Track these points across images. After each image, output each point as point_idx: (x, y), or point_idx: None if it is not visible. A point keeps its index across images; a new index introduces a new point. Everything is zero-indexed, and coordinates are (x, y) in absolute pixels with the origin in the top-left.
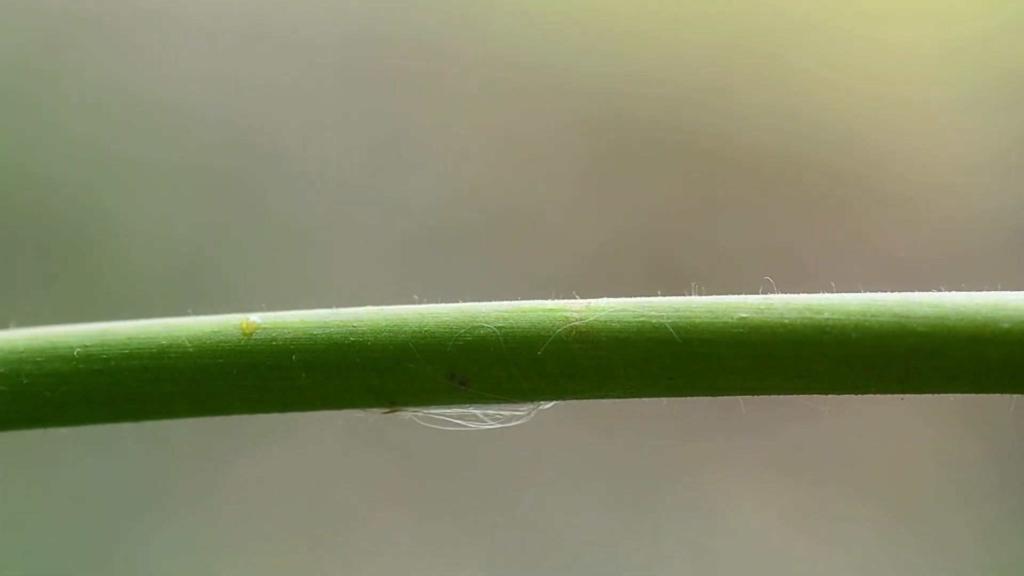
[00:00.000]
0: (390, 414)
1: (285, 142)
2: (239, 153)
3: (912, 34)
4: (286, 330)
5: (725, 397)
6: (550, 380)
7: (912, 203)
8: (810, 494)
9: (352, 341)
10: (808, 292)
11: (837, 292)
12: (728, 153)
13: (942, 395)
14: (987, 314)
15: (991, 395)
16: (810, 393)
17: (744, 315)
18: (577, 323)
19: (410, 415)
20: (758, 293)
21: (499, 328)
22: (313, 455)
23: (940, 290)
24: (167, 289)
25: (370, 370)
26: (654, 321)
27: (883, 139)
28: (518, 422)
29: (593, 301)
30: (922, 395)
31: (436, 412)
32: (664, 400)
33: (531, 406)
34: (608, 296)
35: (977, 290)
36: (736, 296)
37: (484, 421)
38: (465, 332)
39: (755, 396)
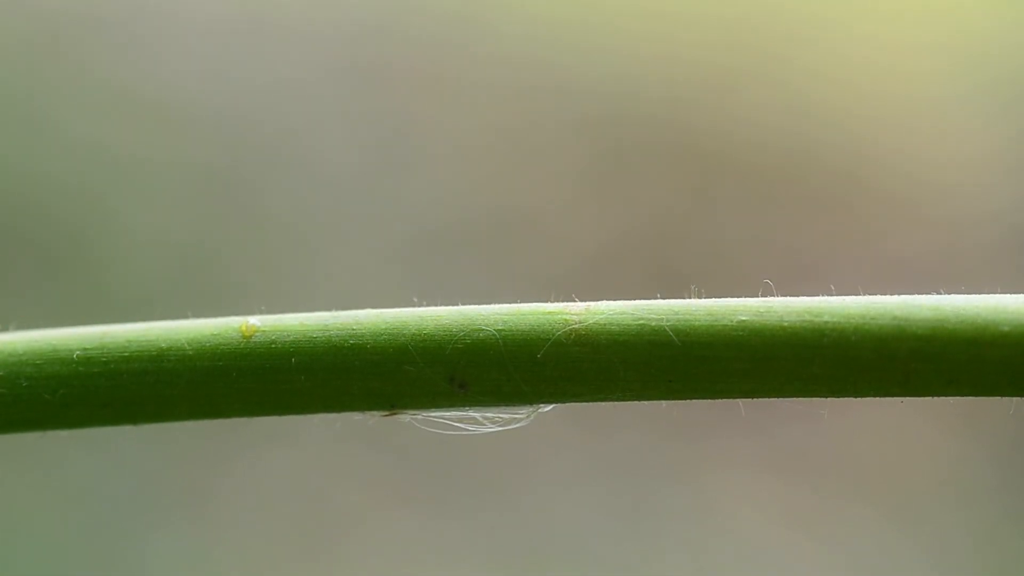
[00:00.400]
0: (389, 417)
1: (285, 142)
2: (240, 152)
3: (912, 33)
4: (285, 333)
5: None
6: (549, 383)
7: (912, 202)
8: (809, 495)
9: (351, 344)
10: (807, 292)
11: (837, 291)
12: (728, 153)
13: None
14: (987, 317)
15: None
16: (810, 396)
17: (744, 318)
18: (576, 326)
19: (409, 418)
20: (758, 293)
21: (498, 331)
22: (312, 457)
23: (940, 291)
24: (167, 288)
25: (369, 373)
26: (653, 324)
27: (883, 138)
28: (517, 425)
29: (592, 304)
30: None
31: (436, 415)
32: (663, 402)
33: (530, 409)
34: (608, 296)
35: (977, 290)
36: (735, 299)
37: (484, 424)
38: (464, 335)
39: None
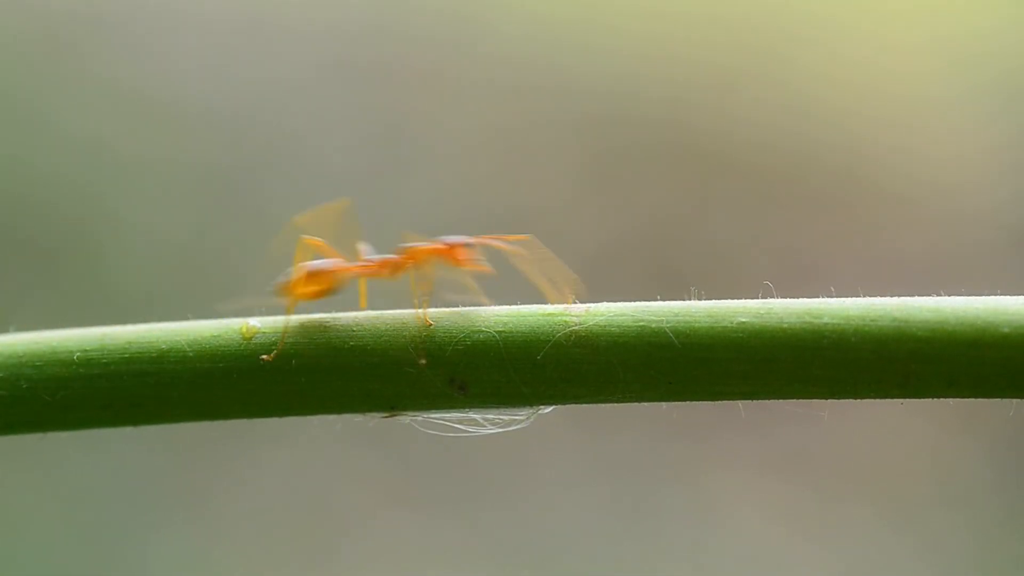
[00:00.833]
0: (389, 418)
1: (285, 141)
2: (240, 151)
3: (911, 33)
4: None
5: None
6: (549, 385)
7: (911, 201)
8: (808, 495)
9: (352, 346)
10: (807, 292)
11: (837, 291)
12: (728, 153)
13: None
14: (987, 319)
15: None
16: (809, 398)
17: (743, 320)
18: (576, 328)
19: (409, 419)
20: (758, 293)
21: (499, 333)
22: (312, 458)
23: (940, 291)
24: (167, 287)
25: (369, 375)
26: (653, 326)
27: (882, 138)
28: (518, 426)
29: (592, 305)
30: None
31: (436, 417)
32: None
33: (531, 410)
34: (608, 297)
35: (976, 288)
36: (735, 300)
37: (484, 425)
38: (464, 336)
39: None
